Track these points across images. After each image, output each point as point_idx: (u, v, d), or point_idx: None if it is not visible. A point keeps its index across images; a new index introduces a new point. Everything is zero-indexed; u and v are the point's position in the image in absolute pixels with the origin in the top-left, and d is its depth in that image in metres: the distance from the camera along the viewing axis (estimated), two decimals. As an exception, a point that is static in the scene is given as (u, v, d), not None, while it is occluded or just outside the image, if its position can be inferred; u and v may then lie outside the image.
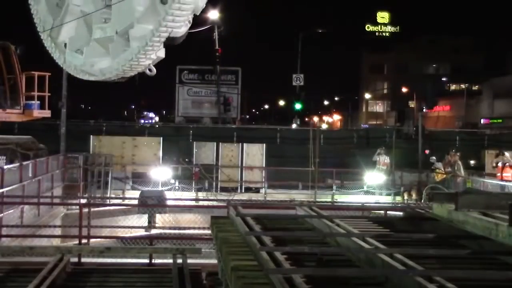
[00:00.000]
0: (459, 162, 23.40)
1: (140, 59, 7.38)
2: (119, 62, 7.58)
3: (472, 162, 27.19)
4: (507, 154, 22.78)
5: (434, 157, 24.70)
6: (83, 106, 71.76)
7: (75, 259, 10.27)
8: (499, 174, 21.61)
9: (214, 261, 8.82)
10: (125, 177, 24.53)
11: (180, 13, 7.20)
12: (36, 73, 20.42)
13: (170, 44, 7.49)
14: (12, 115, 20.49)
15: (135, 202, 21.39)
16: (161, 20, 7.10)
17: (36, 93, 20.59)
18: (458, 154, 23.84)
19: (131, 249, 11.47)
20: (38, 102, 21.08)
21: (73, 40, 8.24)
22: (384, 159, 24.60)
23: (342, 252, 5.15)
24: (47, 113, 21.69)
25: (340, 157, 26.03)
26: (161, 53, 7.48)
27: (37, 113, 21.14)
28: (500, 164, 21.90)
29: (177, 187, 24.10)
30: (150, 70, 7.64)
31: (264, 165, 25.33)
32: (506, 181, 20.49)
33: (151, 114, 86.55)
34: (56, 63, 8.48)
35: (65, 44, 8.15)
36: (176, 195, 23.05)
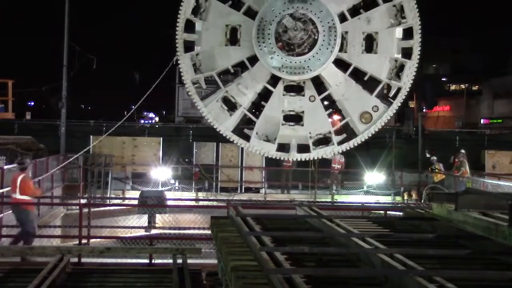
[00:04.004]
0: (465, 161, 23.37)
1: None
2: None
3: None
4: None
5: (435, 157, 24.68)
6: (83, 106, 71.63)
7: (75, 259, 10.27)
8: None
9: (214, 261, 8.83)
10: (125, 177, 24.53)
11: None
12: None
13: None
14: None
15: (135, 202, 21.38)
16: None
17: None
18: (462, 152, 23.79)
19: (131, 249, 11.46)
20: (2, 105, 26.37)
21: (260, 130, 12.89)
22: (339, 158, 24.37)
23: (342, 252, 5.15)
24: (11, 115, 26.85)
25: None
26: None
27: (11, 115, 26.39)
28: None
29: (177, 187, 24.08)
30: None
31: (264, 165, 25.32)
32: None
33: (151, 114, 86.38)
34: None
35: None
36: (176, 195, 23.03)
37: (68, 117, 25.17)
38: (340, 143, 12.91)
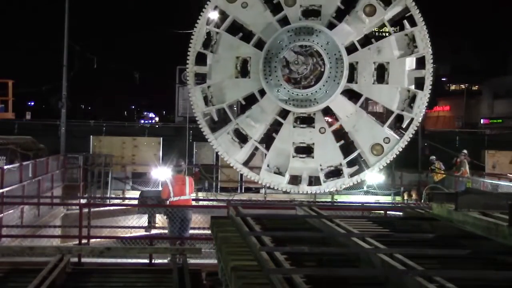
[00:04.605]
0: (465, 161, 23.35)
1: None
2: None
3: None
4: None
5: (434, 156, 24.68)
6: (83, 106, 71.70)
7: (75, 259, 10.26)
8: None
9: (214, 261, 8.82)
10: (125, 177, 24.51)
11: None
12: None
13: None
14: None
15: (135, 202, 21.36)
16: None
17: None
18: (464, 151, 23.71)
19: (131, 249, 11.45)
20: (3, 105, 26.94)
21: (271, 162, 12.70)
22: None
23: (342, 252, 5.14)
24: (11, 115, 27.42)
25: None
26: None
27: (11, 115, 27.09)
28: None
29: (177, 187, 24.01)
30: None
31: (264, 165, 25.26)
32: None
33: (151, 114, 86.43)
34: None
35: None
36: (176, 195, 22.96)
37: (68, 117, 25.16)
38: (351, 175, 12.66)
